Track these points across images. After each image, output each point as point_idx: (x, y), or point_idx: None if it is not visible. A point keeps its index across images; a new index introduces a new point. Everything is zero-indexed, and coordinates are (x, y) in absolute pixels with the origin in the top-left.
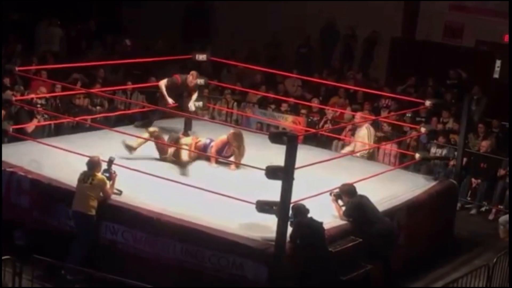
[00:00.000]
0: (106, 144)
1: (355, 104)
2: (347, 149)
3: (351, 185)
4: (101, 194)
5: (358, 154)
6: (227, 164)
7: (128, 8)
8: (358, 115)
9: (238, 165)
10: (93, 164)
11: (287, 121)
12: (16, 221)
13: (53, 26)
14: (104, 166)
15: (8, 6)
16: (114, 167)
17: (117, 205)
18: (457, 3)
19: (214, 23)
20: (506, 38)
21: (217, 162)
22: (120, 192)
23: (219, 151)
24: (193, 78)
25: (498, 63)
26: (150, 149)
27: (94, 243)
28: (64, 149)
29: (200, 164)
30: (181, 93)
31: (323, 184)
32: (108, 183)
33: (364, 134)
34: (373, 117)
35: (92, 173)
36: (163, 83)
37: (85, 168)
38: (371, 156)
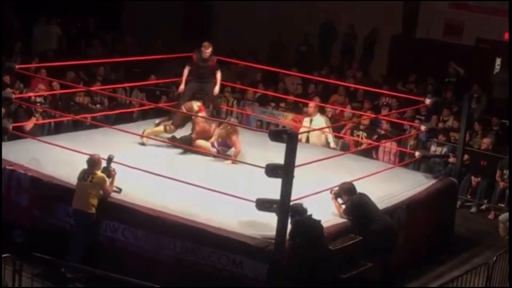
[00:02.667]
0: (106, 142)
1: (355, 102)
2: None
3: (351, 183)
4: (100, 192)
5: (333, 145)
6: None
7: (128, 6)
8: (313, 103)
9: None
10: (93, 162)
11: (287, 119)
12: (15, 219)
13: (51, 24)
14: (103, 164)
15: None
16: (113, 165)
17: (117, 203)
18: (457, 1)
19: (214, 22)
20: (506, 36)
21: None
22: (119, 190)
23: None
24: (205, 49)
25: (498, 61)
26: (150, 147)
27: (94, 241)
28: (64, 147)
29: (200, 162)
30: (204, 72)
31: (323, 182)
32: (108, 181)
33: (323, 122)
34: (373, 115)
35: (92, 171)
36: (186, 68)
37: (85, 166)
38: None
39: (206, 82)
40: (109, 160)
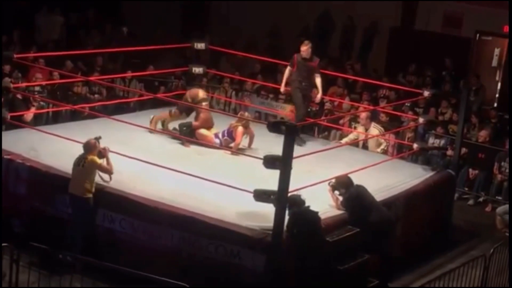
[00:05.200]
0: (104, 132)
1: (354, 94)
2: (351, 137)
3: (346, 176)
4: (100, 174)
5: (379, 150)
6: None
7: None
8: (364, 115)
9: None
10: (87, 147)
11: (286, 111)
12: (13, 209)
13: (54, 14)
14: None
15: None
16: (111, 156)
17: (114, 193)
18: None
19: (212, 12)
20: (506, 28)
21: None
22: (108, 181)
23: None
24: (303, 46)
25: (496, 51)
26: (150, 137)
27: (92, 227)
28: (62, 137)
29: (199, 153)
30: (306, 74)
31: (321, 174)
32: (103, 161)
33: (377, 132)
34: (371, 107)
35: (85, 156)
36: (287, 69)
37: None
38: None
39: (307, 89)
40: (96, 140)
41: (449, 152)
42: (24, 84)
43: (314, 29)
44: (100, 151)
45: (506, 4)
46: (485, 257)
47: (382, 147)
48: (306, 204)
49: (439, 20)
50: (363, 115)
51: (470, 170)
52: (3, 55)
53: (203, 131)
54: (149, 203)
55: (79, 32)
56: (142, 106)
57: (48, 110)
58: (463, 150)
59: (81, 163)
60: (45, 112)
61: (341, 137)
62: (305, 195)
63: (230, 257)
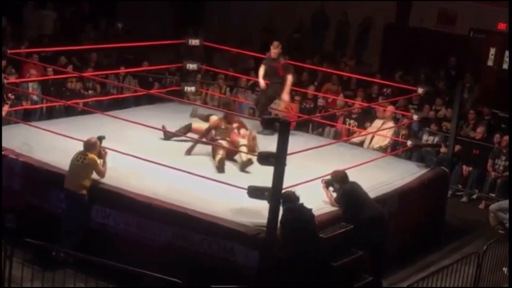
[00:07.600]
0: (98, 128)
1: (347, 90)
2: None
3: (343, 172)
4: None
5: (376, 146)
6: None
7: None
8: (391, 109)
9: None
10: (88, 145)
11: (280, 107)
12: (7, 204)
13: (45, 9)
14: None
15: None
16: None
17: (108, 189)
18: None
19: (207, 8)
20: (500, 26)
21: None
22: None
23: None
24: (273, 48)
25: (492, 50)
26: (143, 133)
27: (86, 224)
28: (55, 133)
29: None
30: (271, 72)
31: (314, 171)
32: (100, 162)
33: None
34: (365, 104)
35: (85, 152)
36: (261, 66)
37: (76, 150)
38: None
39: (271, 83)
40: (99, 140)
41: (443, 149)
42: (19, 80)
43: (308, 25)
44: (100, 152)
45: (500, 2)
46: (478, 254)
47: (385, 142)
48: (300, 201)
49: (434, 17)
50: (390, 108)
51: (464, 167)
52: None
53: (198, 125)
54: (143, 199)
55: (73, 27)
56: (136, 102)
57: (41, 106)
58: (457, 147)
59: (80, 159)
60: (39, 107)
61: (335, 134)
62: (299, 191)
63: (223, 253)
